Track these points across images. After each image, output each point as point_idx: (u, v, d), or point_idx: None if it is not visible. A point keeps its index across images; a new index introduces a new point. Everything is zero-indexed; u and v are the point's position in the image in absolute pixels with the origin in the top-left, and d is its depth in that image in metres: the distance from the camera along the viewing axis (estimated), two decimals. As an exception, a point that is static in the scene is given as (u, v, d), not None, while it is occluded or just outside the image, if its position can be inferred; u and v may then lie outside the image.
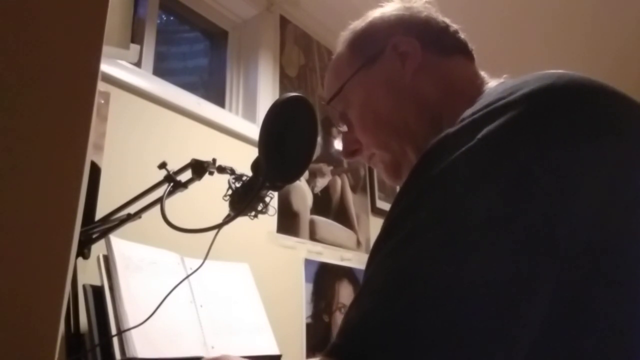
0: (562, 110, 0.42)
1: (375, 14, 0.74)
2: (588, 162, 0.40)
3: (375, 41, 0.70)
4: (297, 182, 1.72)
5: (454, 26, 0.72)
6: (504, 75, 0.62)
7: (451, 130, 0.44)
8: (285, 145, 0.68)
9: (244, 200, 0.73)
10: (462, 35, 0.72)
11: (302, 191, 1.79)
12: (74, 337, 0.85)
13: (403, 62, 0.67)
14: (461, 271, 0.37)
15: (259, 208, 0.75)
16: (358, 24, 0.75)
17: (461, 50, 0.70)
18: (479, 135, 0.41)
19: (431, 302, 0.36)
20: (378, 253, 0.43)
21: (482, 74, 0.68)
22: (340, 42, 0.77)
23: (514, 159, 0.40)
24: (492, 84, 0.64)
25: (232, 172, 0.78)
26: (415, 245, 0.39)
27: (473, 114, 0.44)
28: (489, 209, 0.38)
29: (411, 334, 0.36)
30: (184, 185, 0.83)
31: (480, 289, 0.36)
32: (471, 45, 0.72)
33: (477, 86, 0.64)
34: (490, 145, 0.41)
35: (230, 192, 0.76)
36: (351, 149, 0.75)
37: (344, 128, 0.75)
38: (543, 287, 0.38)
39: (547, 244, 0.38)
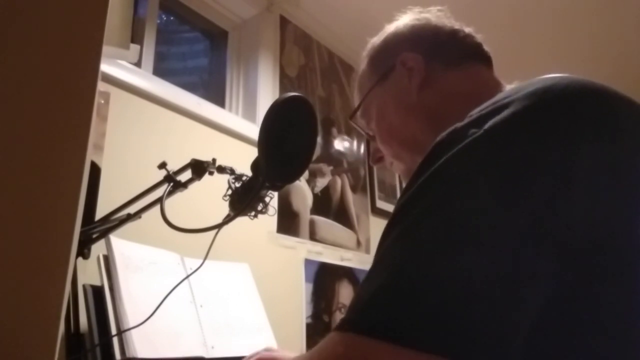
0: (565, 107, 0.43)
1: (390, 28, 0.77)
2: (589, 159, 0.41)
3: (387, 58, 0.74)
4: (297, 182, 1.72)
5: (465, 30, 0.73)
6: (515, 82, 0.63)
7: (459, 124, 0.45)
8: (285, 145, 0.68)
9: (243, 200, 0.73)
10: (475, 38, 0.73)
11: (302, 191, 1.79)
12: (74, 337, 0.86)
13: (410, 77, 0.70)
14: (459, 262, 0.38)
15: (259, 208, 0.75)
16: (376, 40, 0.79)
17: (472, 55, 0.72)
18: (485, 127, 0.42)
19: (427, 300, 0.37)
20: (385, 239, 0.44)
21: (500, 79, 0.69)
22: (363, 57, 0.81)
23: (518, 149, 0.41)
24: (507, 87, 0.65)
25: (232, 172, 0.78)
26: (418, 234, 0.40)
27: (480, 110, 0.46)
28: (490, 199, 0.39)
29: (416, 311, 0.37)
30: (184, 185, 0.83)
31: (477, 280, 0.37)
32: (486, 47, 0.73)
33: (488, 90, 0.64)
34: (495, 136, 0.42)
35: (230, 192, 0.76)
36: (376, 157, 0.81)
37: (370, 138, 0.81)
38: (542, 276, 0.39)
39: (547, 234, 0.39)
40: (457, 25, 0.74)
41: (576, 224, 0.40)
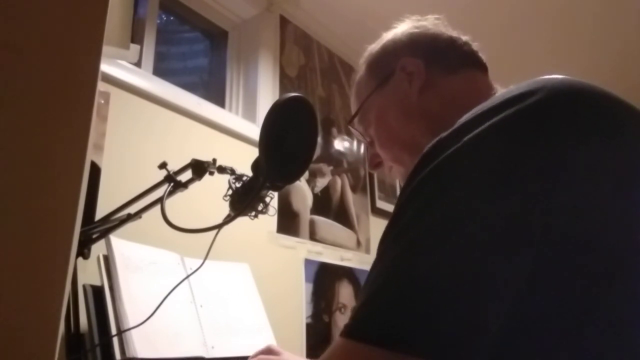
0: (547, 111, 0.43)
1: (389, 35, 0.78)
2: (573, 161, 0.41)
3: (387, 63, 0.75)
4: (297, 182, 1.72)
5: (463, 39, 0.75)
6: (511, 86, 0.63)
7: (444, 134, 0.47)
8: (286, 145, 0.68)
9: (244, 200, 0.74)
10: (472, 46, 0.74)
11: (302, 191, 1.79)
12: (74, 337, 0.86)
13: (410, 82, 0.71)
14: (443, 266, 0.40)
15: (259, 208, 0.75)
16: (374, 47, 0.80)
17: (469, 62, 0.73)
18: (465, 138, 0.44)
19: (414, 305, 0.39)
20: (380, 247, 0.46)
21: (495, 84, 0.71)
22: (360, 64, 0.82)
23: (495, 159, 0.42)
24: (500, 92, 0.65)
25: (232, 172, 0.78)
26: (404, 242, 0.43)
27: (466, 117, 0.47)
28: (470, 206, 0.41)
29: (400, 318, 0.39)
30: (184, 185, 0.83)
31: (459, 281, 0.39)
32: (482, 55, 0.74)
33: (484, 96, 0.65)
34: (473, 147, 0.43)
35: (230, 192, 0.76)
36: (374, 162, 0.81)
37: (368, 144, 0.82)
38: (513, 277, 0.40)
39: (528, 238, 0.40)
40: (454, 34, 0.75)
41: (560, 226, 0.41)
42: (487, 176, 0.42)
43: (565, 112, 0.43)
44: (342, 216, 1.97)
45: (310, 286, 1.70)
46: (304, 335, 1.61)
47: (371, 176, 2.20)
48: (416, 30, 0.75)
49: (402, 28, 0.77)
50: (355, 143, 2.17)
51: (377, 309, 0.41)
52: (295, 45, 1.97)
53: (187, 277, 0.95)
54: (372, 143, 0.79)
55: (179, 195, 0.85)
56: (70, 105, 0.40)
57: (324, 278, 1.77)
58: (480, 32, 0.76)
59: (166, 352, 0.88)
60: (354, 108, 0.81)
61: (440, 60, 0.72)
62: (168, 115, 1.39)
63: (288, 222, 1.69)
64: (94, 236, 0.90)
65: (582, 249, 0.41)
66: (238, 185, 0.76)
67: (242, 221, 0.76)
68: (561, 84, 0.45)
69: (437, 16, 0.77)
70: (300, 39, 2.01)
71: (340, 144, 2.08)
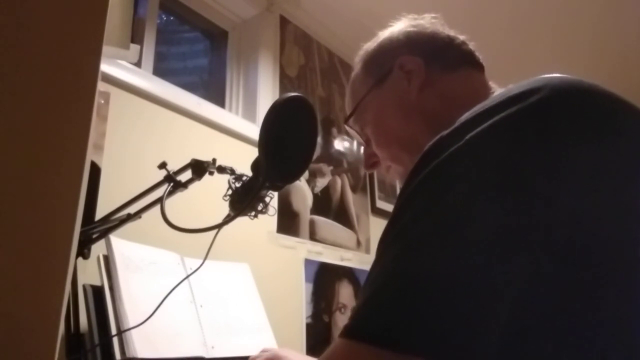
0: (548, 110, 0.43)
1: (385, 34, 0.78)
2: (574, 161, 0.41)
3: (384, 62, 0.74)
4: (297, 182, 1.72)
5: (460, 38, 0.74)
6: (509, 85, 0.63)
7: (445, 132, 0.46)
8: (285, 145, 0.68)
9: (244, 200, 0.74)
10: (469, 45, 0.74)
11: (302, 191, 1.79)
12: (74, 337, 0.86)
13: (409, 80, 0.71)
14: (442, 266, 0.40)
15: (259, 208, 0.75)
16: (370, 45, 0.79)
17: (467, 61, 0.73)
18: (467, 137, 0.44)
19: (413, 305, 0.39)
20: (380, 246, 0.46)
21: (491, 83, 0.71)
22: (356, 62, 0.81)
23: (497, 158, 0.42)
24: (498, 91, 0.65)
25: (232, 172, 0.78)
26: (405, 241, 0.43)
27: (467, 116, 0.47)
28: (472, 205, 0.41)
29: (399, 317, 0.39)
30: (184, 185, 0.83)
31: (453, 277, 0.39)
32: (479, 55, 0.74)
33: (482, 95, 0.65)
34: (474, 146, 0.43)
35: (230, 192, 0.76)
36: (370, 162, 0.80)
37: (364, 143, 0.81)
38: (522, 277, 0.40)
39: (528, 237, 0.40)
40: (451, 33, 0.75)
41: (562, 226, 0.40)
42: (488, 175, 0.41)
43: (567, 111, 0.43)
44: (342, 216, 1.97)
45: (310, 286, 1.70)
46: (304, 335, 1.61)
47: (371, 176, 2.20)
48: (413, 28, 0.75)
49: (399, 26, 0.77)
50: (355, 143, 2.17)
51: (376, 309, 0.40)
52: (295, 45, 1.97)
53: (187, 277, 0.95)
54: (369, 142, 0.79)
55: (179, 195, 0.85)
56: (70, 105, 0.40)
57: (324, 278, 1.77)
58: (480, 32, 0.76)
59: (166, 352, 0.88)
60: (349, 107, 0.80)
61: (439, 59, 0.71)
62: (168, 115, 1.39)
63: (288, 222, 1.69)
64: (94, 236, 0.90)
65: (583, 249, 0.41)
66: (238, 185, 0.76)
67: (242, 221, 0.76)
68: (562, 82, 0.45)
69: (433, 15, 0.76)
70: (300, 39, 2.01)
71: (340, 144, 2.08)
